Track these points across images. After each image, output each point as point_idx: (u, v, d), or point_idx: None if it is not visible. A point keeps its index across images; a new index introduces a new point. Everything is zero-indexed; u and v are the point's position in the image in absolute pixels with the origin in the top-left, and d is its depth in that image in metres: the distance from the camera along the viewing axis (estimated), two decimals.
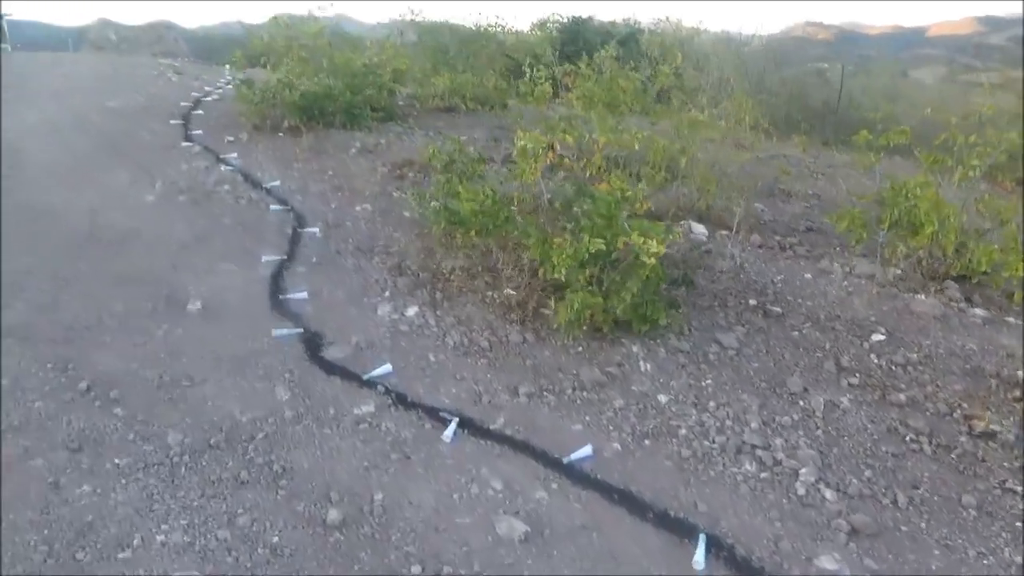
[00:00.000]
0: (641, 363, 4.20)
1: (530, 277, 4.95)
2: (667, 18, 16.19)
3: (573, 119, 7.81)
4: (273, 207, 6.39)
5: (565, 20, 18.89)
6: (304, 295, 4.76)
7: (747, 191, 6.96)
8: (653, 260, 4.15)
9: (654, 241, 4.16)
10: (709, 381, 4.08)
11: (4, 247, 5.20)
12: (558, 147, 5.58)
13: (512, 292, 4.88)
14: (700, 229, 6.24)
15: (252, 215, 6.22)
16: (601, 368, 4.12)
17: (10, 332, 4.09)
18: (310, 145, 8.45)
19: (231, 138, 8.67)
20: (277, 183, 7.06)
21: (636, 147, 6.21)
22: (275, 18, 9.76)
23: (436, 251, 5.59)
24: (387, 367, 3.98)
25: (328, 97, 9.12)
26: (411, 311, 4.64)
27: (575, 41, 18.25)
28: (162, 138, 8.67)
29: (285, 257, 5.35)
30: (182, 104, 10.52)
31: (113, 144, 8.31)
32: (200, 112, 10.08)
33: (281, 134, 9.00)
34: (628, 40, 17.74)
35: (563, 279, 4.36)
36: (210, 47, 33.85)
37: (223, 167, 7.52)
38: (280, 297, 4.73)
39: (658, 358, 4.27)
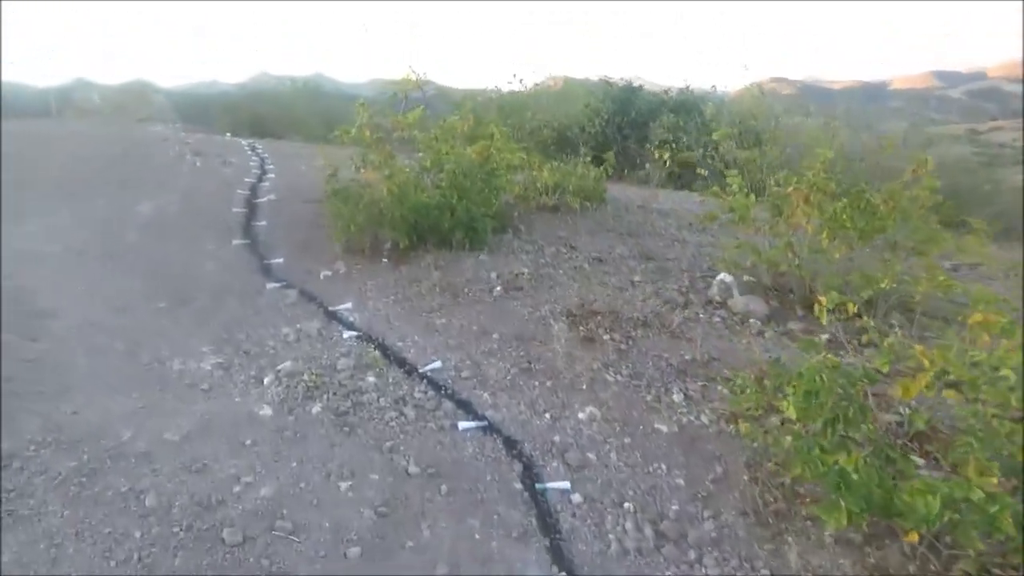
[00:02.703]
0: None
1: None
2: (759, 86, 14.06)
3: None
4: (462, 424, 3.95)
5: (614, 87, 16.83)
6: None
7: None
8: None
9: None
10: None
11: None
12: None
13: None
14: None
15: (441, 446, 3.77)
16: None
17: None
18: (436, 280, 6.05)
19: (327, 272, 6.22)
20: (437, 364, 4.63)
21: None
22: (361, 104, 7.35)
23: (777, 528, 3.23)
24: None
25: (442, 208, 6.76)
26: None
27: (626, 111, 16.20)
28: (233, 272, 6.21)
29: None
30: (233, 210, 8.05)
31: (169, 285, 5.82)
32: (262, 222, 7.62)
33: (385, 259, 6.59)
34: (690, 109, 15.71)
35: None
36: (195, 109, 31.43)
37: (344, 331, 5.08)
38: None
39: None
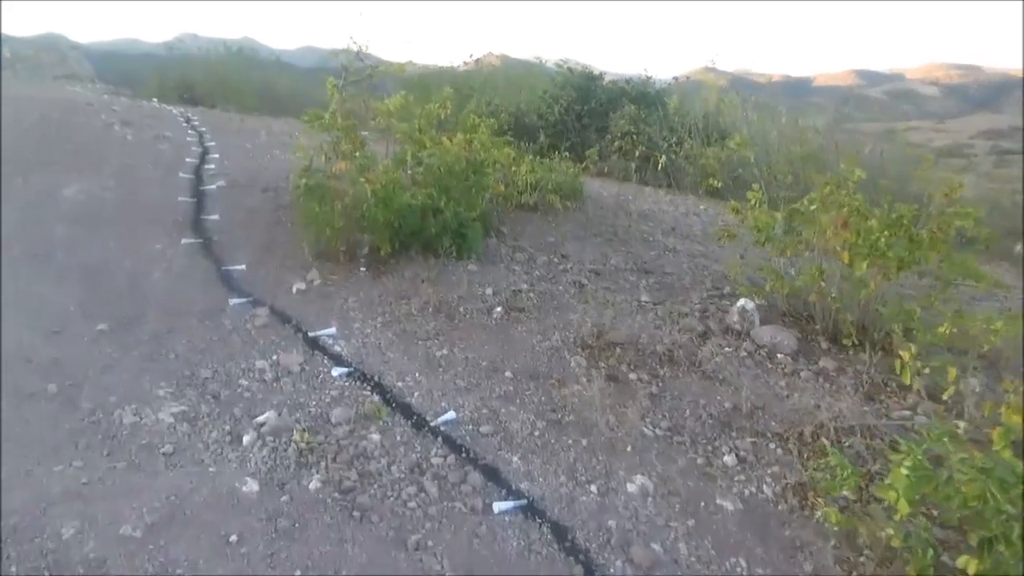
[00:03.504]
0: None
1: None
2: (725, 79, 13.50)
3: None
4: (497, 505, 3.18)
5: (573, 74, 16.04)
6: None
7: None
8: None
9: None
10: None
11: None
12: None
13: None
14: None
15: (478, 539, 2.98)
16: None
17: None
18: (428, 297, 5.22)
19: (300, 284, 5.29)
20: (451, 415, 3.83)
21: None
22: (333, 86, 6.35)
23: None
24: None
25: (428, 211, 5.90)
26: None
27: (586, 99, 15.41)
28: (187, 281, 5.19)
29: None
30: (179, 199, 6.93)
31: (110, 298, 4.78)
32: (214, 216, 6.55)
33: (363, 269, 5.69)
34: (652, 101, 15.06)
35: None
36: (116, 69, 29.18)
37: (332, 367, 4.20)
38: None
39: None
